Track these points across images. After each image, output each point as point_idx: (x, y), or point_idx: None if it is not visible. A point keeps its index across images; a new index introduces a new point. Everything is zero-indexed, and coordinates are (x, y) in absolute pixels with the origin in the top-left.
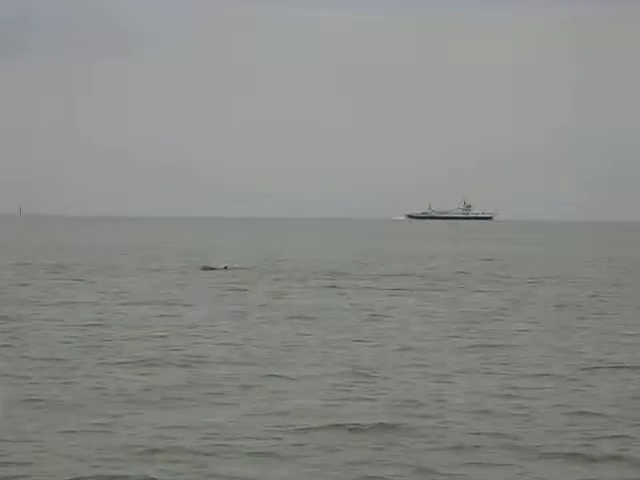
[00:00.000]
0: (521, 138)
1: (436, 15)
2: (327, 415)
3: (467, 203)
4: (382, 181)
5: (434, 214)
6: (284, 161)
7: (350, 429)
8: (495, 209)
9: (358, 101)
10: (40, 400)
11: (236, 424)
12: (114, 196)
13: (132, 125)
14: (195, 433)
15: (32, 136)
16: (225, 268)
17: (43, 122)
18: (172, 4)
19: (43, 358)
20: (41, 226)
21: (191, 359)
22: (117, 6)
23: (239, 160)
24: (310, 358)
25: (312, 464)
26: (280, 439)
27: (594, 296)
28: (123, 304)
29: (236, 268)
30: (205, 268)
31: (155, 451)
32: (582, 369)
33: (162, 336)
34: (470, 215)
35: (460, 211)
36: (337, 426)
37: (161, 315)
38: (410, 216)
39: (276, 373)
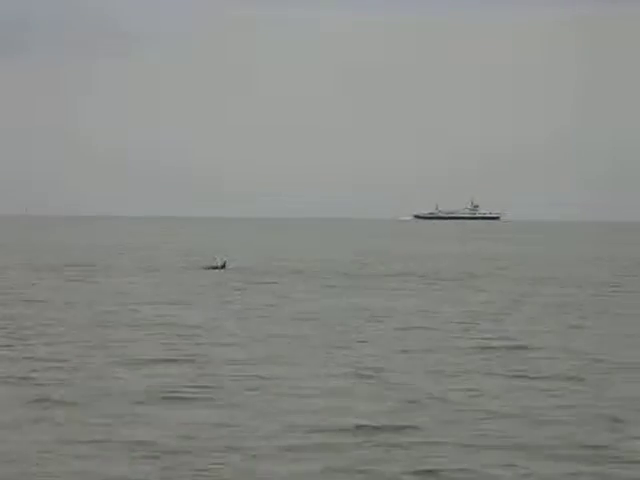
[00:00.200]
0: (521, 138)
1: (436, 15)
2: (334, 415)
3: (474, 203)
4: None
5: (441, 214)
6: (284, 161)
7: (356, 429)
8: (502, 209)
9: (358, 101)
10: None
11: (244, 423)
12: (114, 196)
13: (132, 125)
14: (203, 432)
15: (32, 136)
16: (224, 265)
17: (43, 122)
18: (172, 4)
19: (45, 359)
20: (51, 226)
21: (195, 358)
22: (117, 6)
23: (239, 160)
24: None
25: (319, 463)
26: (290, 438)
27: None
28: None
29: (236, 268)
30: (208, 267)
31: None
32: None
33: (167, 335)
34: (477, 215)
35: (467, 211)
36: (344, 426)
37: (166, 315)
38: (417, 216)
39: (281, 373)
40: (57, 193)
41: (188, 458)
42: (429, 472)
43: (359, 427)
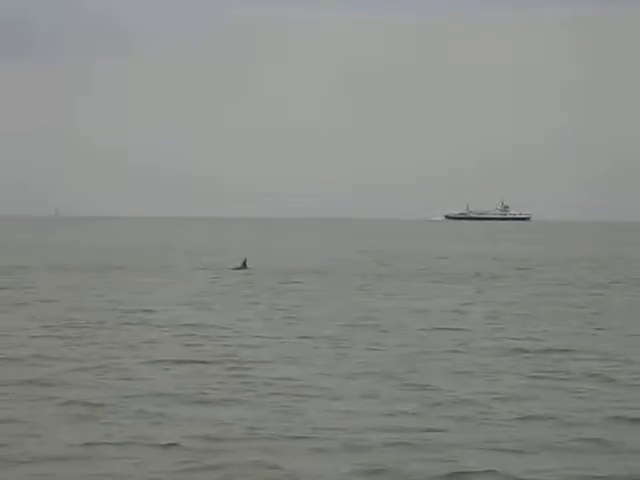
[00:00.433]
0: (521, 138)
1: (436, 15)
2: (361, 416)
3: (505, 204)
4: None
5: (471, 215)
6: (284, 161)
7: (383, 430)
8: (532, 209)
9: (358, 101)
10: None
11: (273, 425)
12: (114, 196)
13: (132, 125)
14: (232, 433)
15: (31, 136)
16: (244, 265)
17: (43, 122)
18: (172, 4)
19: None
20: (51, 226)
21: (221, 359)
22: (117, 6)
23: (239, 160)
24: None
25: (347, 464)
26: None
27: None
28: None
29: (254, 268)
30: (236, 268)
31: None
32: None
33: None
34: (508, 216)
35: (498, 212)
36: (370, 427)
37: (193, 316)
38: (447, 217)
39: (308, 374)
40: (57, 193)
41: (217, 460)
42: (458, 474)
43: (386, 429)
